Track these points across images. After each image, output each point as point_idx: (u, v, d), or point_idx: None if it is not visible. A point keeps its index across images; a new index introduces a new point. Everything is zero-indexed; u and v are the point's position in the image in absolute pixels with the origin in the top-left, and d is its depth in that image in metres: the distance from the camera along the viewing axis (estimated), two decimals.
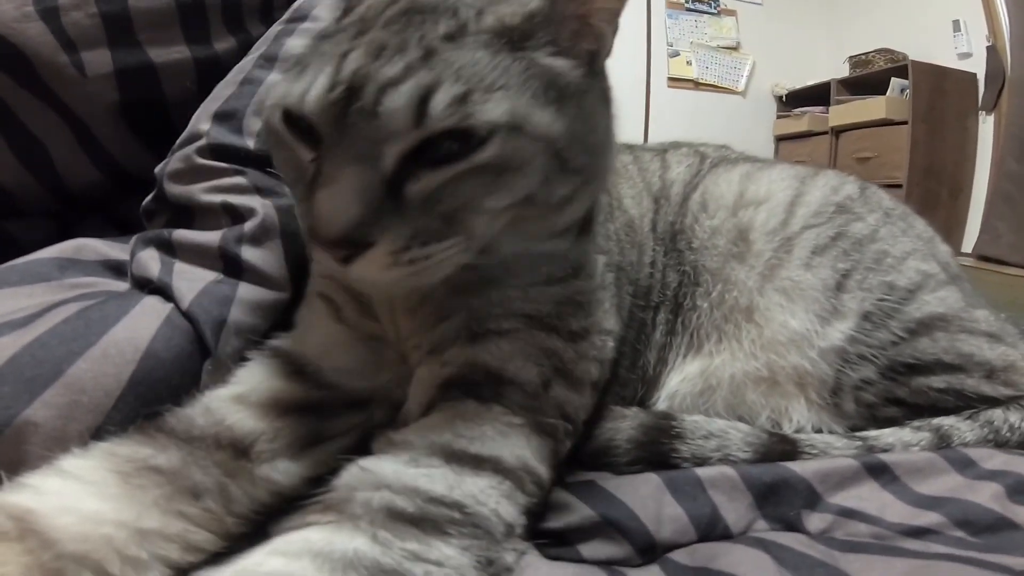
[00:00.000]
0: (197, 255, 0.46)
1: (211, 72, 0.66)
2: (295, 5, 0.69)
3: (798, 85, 4.42)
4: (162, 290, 0.43)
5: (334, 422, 0.42)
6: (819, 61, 4.37)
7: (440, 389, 0.39)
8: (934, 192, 3.54)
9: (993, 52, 3.35)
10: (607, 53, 0.40)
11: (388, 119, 0.32)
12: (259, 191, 0.53)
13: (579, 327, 0.42)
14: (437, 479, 0.31)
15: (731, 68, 4.61)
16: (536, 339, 0.40)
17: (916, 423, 0.50)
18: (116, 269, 0.52)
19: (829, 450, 0.47)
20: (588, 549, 0.37)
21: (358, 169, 0.32)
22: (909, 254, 0.54)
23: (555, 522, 0.38)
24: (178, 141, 0.59)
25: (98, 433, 0.35)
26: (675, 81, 4.49)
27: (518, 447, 0.35)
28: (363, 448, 0.40)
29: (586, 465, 0.46)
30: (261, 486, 0.37)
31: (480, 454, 0.34)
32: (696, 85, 4.47)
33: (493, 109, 0.33)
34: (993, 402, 0.52)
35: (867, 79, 3.83)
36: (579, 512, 0.39)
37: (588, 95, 0.39)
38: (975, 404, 0.52)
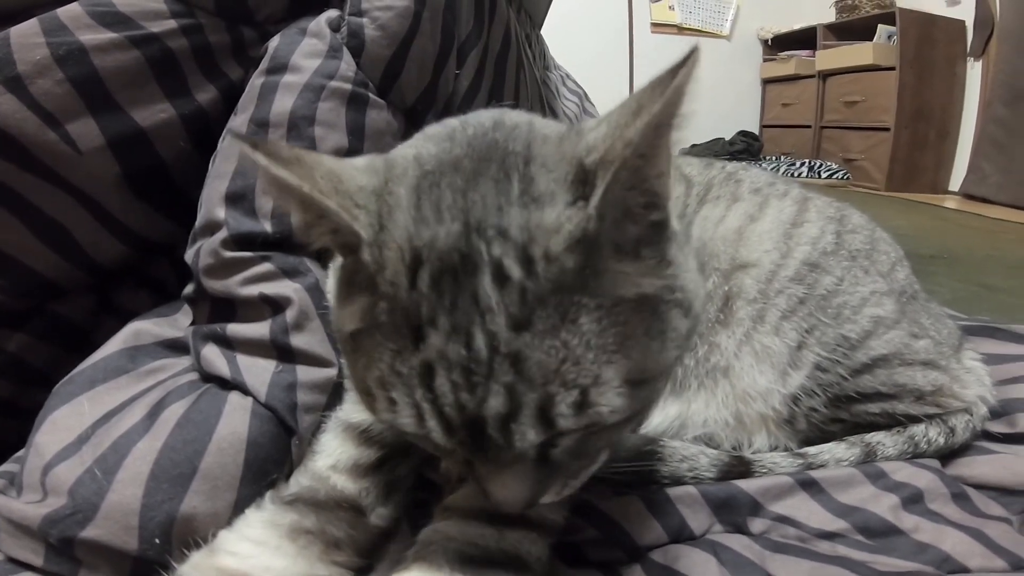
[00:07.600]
0: (254, 347, 0.57)
1: (201, 127, 0.69)
2: (270, 51, 0.70)
3: (784, 29, 4.45)
4: (239, 386, 0.55)
5: (400, 470, 0.55)
6: (804, 4, 4.39)
7: None
8: (922, 134, 3.68)
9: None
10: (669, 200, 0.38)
11: (523, 451, 0.35)
12: (286, 274, 0.60)
13: None
14: (488, 536, 0.45)
15: (715, 12, 4.61)
16: None
17: (851, 439, 0.62)
18: (172, 347, 0.64)
19: (776, 469, 0.60)
20: (593, 554, 0.52)
21: (514, 470, 0.37)
22: (866, 300, 0.62)
23: (569, 538, 0.52)
24: (198, 225, 0.64)
25: (237, 505, 0.49)
26: (658, 27, 4.48)
27: (541, 508, 0.47)
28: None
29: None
30: (373, 532, 0.51)
31: (512, 513, 0.46)
32: (680, 30, 4.47)
33: (613, 397, 0.34)
34: (919, 419, 0.63)
35: (853, 25, 3.90)
36: (585, 532, 0.53)
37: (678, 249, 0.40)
38: (904, 422, 0.63)
